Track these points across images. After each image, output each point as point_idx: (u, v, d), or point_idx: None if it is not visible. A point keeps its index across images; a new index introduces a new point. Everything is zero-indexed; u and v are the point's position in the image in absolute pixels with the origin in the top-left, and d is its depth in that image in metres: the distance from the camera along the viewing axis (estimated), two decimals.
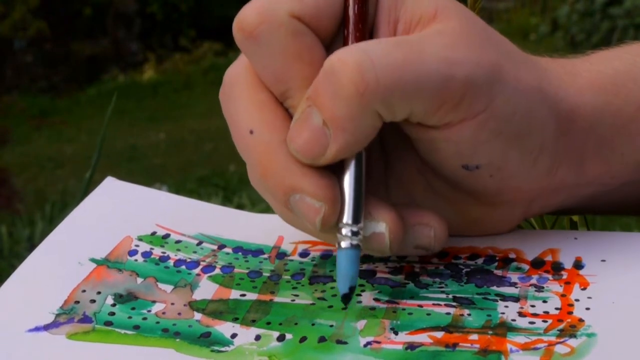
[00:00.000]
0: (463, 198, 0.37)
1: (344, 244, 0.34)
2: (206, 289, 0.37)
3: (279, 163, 0.34)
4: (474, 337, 0.32)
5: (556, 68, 0.37)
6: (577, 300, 0.34)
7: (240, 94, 0.35)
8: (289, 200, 0.34)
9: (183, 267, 0.39)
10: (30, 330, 0.35)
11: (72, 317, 0.36)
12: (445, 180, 0.37)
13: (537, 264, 0.37)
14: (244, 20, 0.34)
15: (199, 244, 0.41)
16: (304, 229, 0.36)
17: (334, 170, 0.34)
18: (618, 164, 0.38)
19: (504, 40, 0.35)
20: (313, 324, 0.34)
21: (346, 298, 0.34)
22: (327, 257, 0.39)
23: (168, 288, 0.38)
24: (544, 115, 0.35)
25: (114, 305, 0.36)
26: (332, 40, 0.35)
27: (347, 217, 0.34)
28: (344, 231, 0.34)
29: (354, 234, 0.34)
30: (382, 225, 0.34)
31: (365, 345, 0.33)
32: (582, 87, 0.37)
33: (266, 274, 0.38)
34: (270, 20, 0.33)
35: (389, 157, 0.38)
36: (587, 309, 0.33)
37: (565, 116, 0.36)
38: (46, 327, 0.35)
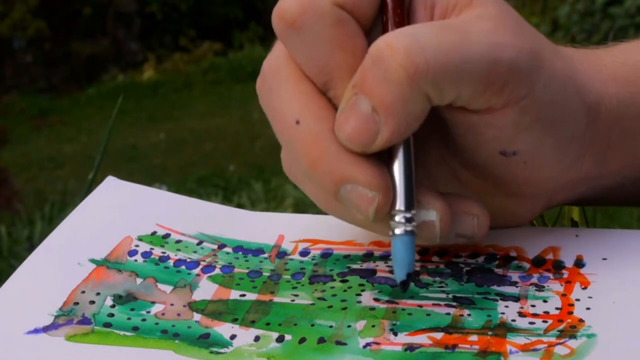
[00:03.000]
0: (488, 188, 0.37)
1: (398, 231, 0.33)
2: (206, 290, 0.37)
3: (329, 153, 0.33)
4: (474, 338, 0.32)
5: (581, 59, 0.37)
6: (577, 300, 0.34)
7: (282, 85, 0.34)
8: (339, 191, 0.33)
9: (183, 267, 0.39)
10: (29, 332, 0.35)
11: (71, 318, 0.36)
12: (471, 169, 0.37)
13: (538, 262, 0.37)
14: (285, 9, 0.33)
15: (199, 243, 0.41)
16: (351, 220, 0.36)
17: (382, 157, 0.34)
18: None
19: (535, 30, 0.35)
20: (312, 325, 0.34)
21: (404, 285, 0.33)
22: (328, 256, 0.39)
23: (167, 288, 0.37)
24: (576, 104, 0.35)
25: (113, 306, 0.36)
26: (371, 27, 0.35)
27: (399, 204, 0.33)
28: (397, 218, 0.33)
29: (408, 220, 0.33)
30: (432, 214, 0.34)
31: (364, 347, 0.33)
32: (607, 78, 0.37)
33: (266, 274, 0.38)
34: (313, 9, 0.33)
35: (413, 145, 0.38)
36: (588, 309, 0.33)
37: (592, 107, 0.36)
38: (45, 329, 0.35)
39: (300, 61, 0.34)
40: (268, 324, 0.35)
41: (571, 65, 0.36)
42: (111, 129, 0.57)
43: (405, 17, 0.34)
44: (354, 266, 0.38)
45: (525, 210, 0.38)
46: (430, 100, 0.32)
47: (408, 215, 0.33)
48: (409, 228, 0.33)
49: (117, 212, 0.43)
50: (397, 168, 0.34)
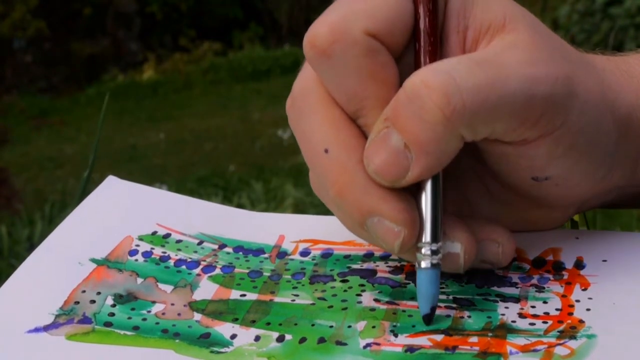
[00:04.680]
0: (520, 202, 0.37)
1: (424, 264, 0.33)
2: (206, 289, 0.37)
3: (357, 185, 0.33)
4: (474, 339, 0.32)
5: (613, 69, 0.37)
6: (577, 301, 0.34)
7: (311, 109, 0.34)
8: (366, 223, 0.33)
9: (183, 267, 0.39)
10: (30, 331, 0.35)
11: (71, 317, 0.36)
12: (503, 185, 0.37)
13: (538, 263, 0.37)
14: (316, 37, 0.33)
15: (200, 243, 0.41)
16: (378, 246, 0.36)
17: (409, 188, 0.34)
18: None
19: (568, 46, 0.35)
20: (313, 325, 0.34)
21: (428, 318, 0.33)
22: (328, 256, 0.39)
23: (168, 288, 0.38)
24: (609, 123, 0.35)
25: (113, 305, 0.36)
26: (402, 53, 0.34)
27: (426, 237, 0.33)
28: (424, 250, 0.33)
29: (434, 252, 0.33)
30: (457, 246, 0.34)
31: (364, 347, 0.33)
32: (638, 89, 0.37)
33: (267, 274, 0.38)
34: (345, 38, 0.33)
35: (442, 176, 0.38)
36: (588, 310, 0.33)
37: (624, 121, 0.36)
38: (46, 328, 0.35)
39: (330, 88, 0.34)
40: (268, 323, 0.35)
41: (602, 81, 0.35)
42: (101, 126, 0.56)
43: (438, 45, 0.34)
44: (355, 266, 0.38)
45: (555, 218, 0.38)
46: (463, 138, 0.32)
47: (434, 247, 0.33)
48: (434, 261, 0.33)
49: (118, 212, 0.43)
50: (425, 200, 0.33)
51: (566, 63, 0.33)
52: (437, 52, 0.34)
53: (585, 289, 0.35)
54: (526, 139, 0.33)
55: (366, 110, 0.33)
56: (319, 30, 0.33)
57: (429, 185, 0.33)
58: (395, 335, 0.33)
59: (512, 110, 0.32)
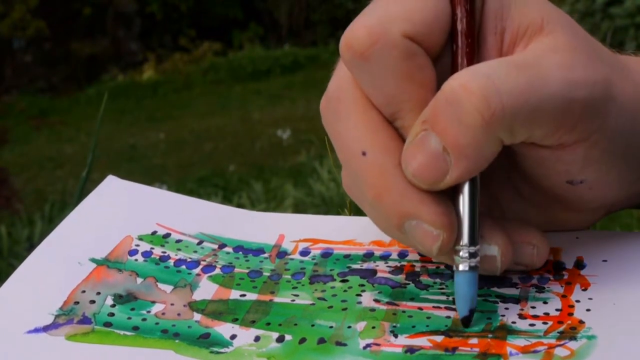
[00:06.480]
0: (552, 204, 0.37)
1: (462, 267, 0.33)
2: (206, 289, 0.37)
3: (395, 188, 0.33)
4: (474, 340, 0.32)
5: None
6: (577, 301, 0.34)
7: (348, 112, 0.34)
8: (403, 226, 0.33)
9: (183, 266, 0.39)
10: (30, 332, 0.35)
11: (71, 318, 0.36)
12: (536, 188, 0.36)
13: None
14: (354, 39, 0.33)
15: (200, 243, 0.41)
16: (415, 249, 0.36)
17: (446, 190, 0.33)
18: None
19: (604, 48, 0.35)
20: (313, 325, 0.34)
21: (466, 320, 0.33)
22: (328, 256, 0.39)
23: (168, 288, 0.37)
24: None
25: (113, 305, 0.36)
26: (440, 55, 0.34)
27: (464, 240, 0.33)
28: (462, 253, 0.33)
29: (472, 255, 0.33)
30: (494, 249, 0.34)
31: (364, 348, 0.33)
32: None
33: (266, 274, 0.38)
34: (383, 41, 0.33)
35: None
36: (588, 310, 0.33)
37: None
38: (45, 329, 0.35)
39: (367, 90, 0.34)
40: (268, 324, 0.35)
41: (635, 82, 0.35)
42: (99, 127, 0.56)
43: (475, 46, 0.34)
44: (355, 266, 0.38)
45: (584, 220, 0.38)
46: (502, 142, 0.32)
47: (472, 250, 0.33)
48: (472, 264, 0.33)
49: (118, 212, 0.43)
50: (463, 203, 0.33)
51: (604, 66, 0.33)
52: (475, 53, 0.34)
53: (585, 289, 0.34)
54: (563, 143, 0.33)
55: (404, 112, 0.33)
56: (357, 33, 0.33)
57: (466, 188, 0.33)
58: (395, 336, 0.33)
59: (551, 114, 0.32)
